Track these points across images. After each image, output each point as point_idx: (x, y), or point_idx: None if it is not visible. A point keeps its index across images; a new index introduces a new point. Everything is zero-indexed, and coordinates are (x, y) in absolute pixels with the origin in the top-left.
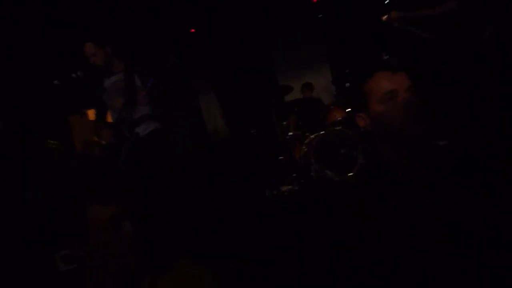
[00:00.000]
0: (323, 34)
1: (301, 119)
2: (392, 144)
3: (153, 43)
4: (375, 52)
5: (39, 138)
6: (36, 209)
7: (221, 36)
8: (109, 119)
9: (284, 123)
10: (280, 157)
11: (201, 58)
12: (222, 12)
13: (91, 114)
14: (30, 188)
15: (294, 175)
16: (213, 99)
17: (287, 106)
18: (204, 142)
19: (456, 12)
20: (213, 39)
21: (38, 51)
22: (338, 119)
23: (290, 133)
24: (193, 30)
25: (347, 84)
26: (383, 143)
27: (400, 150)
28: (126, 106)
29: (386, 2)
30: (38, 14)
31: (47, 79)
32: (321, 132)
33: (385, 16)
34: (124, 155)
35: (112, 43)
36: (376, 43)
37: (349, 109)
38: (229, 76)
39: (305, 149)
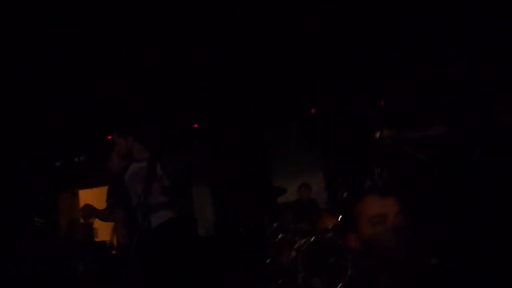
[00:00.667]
0: (318, 140)
1: (293, 222)
2: (381, 267)
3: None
4: (367, 166)
5: (27, 215)
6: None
7: (221, 130)
8: None
9: (275, 224)
10: (267, 260)
11: (197, 149)
12: (224, 105)
13: (82, 195)
14: (11, 263)
15: (280, 281)
16: (205, 190)
17: (280, 208)
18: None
19: (445, 135)
20: (213, 132)
21: (43, 130)
22: (329, 226)
23: (280, 236)
24: (195, 126)
25: (345, 194)
26: (372, 265)
27: (389, 273)
28: (143, 193)
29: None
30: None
31: (47, 158)
32: (311, 238)
33: (378, 133)
34: (136, 241)
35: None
36: (368, 157)
37: (341, 217)
38: (224, 170)
39: (294, 254)
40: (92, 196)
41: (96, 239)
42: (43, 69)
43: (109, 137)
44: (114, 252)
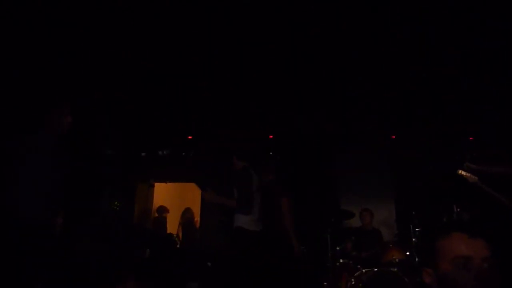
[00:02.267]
0: (393, 168)
1: (356, 249)
2: None
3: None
4: (445, 203)
5: (107, 197)
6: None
7: (296, 145)
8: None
9: (338, 248)
10: (325, 283)
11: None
12: (300, 123)
13: (157, 187)
14: (84, 237)
15: None
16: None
17: (345, 232)
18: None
19: None
20: (286, 147)
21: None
22: (396, 260)
23: (341, 261)
24: (271, 136)
25: (417, 230)
26: None
27: None
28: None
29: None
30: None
31: (135, 150)
32: (375, 269)
33: (461, 170)
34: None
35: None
36: (447, 194)
37: (409, 253)
38: (293, 189)
39: (353, 282)
40: (166, 190)
41: (165, 231)
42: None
43: (189, 137)
44: (178, 245)
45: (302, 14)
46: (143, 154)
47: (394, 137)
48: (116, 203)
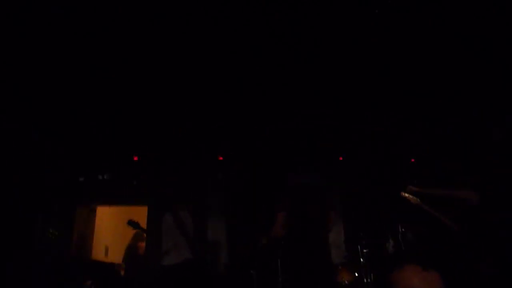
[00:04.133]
0: (340, 191)
1: None
2: None
3: None
4: (391, 223)
5: (43, 226)
6: None
7: (245, 168)
8: None
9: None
10: None
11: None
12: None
13: (99, 212)
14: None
15: None
16: (221, 229)
17: None
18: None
19: (475, 200)
20: (236, 168)
21: (71, 145)
22: (345, 281)
23: None
24: (220, 158)
25: (365, 250)
26: None
27: None
28: None
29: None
30: None
31: (71, 174)
32: None
33: (404, 193)
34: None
35: None
36: (392, 214)
37: (357, 274)
38: (242, 213)
39: None
40: (109, 214)
41: (106, 260)
42: (74, 85)
43: (135, 158)
44: (122, 273)
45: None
46: (81, 179)
47: (341, 158)
48: (51, 231)
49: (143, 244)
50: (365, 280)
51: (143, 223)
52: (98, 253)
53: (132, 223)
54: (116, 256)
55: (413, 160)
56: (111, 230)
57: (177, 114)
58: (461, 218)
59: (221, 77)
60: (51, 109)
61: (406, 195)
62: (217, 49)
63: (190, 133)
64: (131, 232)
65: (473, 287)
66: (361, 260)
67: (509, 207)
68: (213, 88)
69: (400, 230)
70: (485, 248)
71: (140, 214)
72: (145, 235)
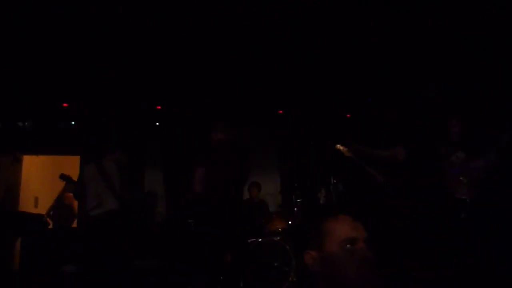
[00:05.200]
0: (278, 143)
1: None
2: None
3: None
4: (324, 174)
5: None
6: None
7: (182, 117)
8: None
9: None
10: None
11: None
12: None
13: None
14: None
15: (221, 277)
16: (159, 179)
17: None
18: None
19: (403, 159)
20: (173, 118)
21: None
22: (279, 229)
23: None
24: (159, 108)
25: (298, 200)
26: (325, 285)
27: None
28: None
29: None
30: None
31: None
32: (259, 239)
33: (339, 145)
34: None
35: None
36: (326, 166)
37: (290, 222)
38: (179, 162)
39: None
40: (38, 164)
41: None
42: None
43: (65, 104)
44: (50, 226)
45: None
46: None
47: (281, 112)
48: None
49: (70, 195)
50: (297, 229)
51: (76, 174)
52: (26, 205)
53: (63, 177)
54: (46, 207)
55: (348, 115)
56: (41, 181)
57: (111, 59)
58: (388, 171)
59: (161, 22)
60: None
61: (341, 148)
62: None
63: (129, 81)
64: (62, 183)
65: (393, 236)
66: (295, 209)
67: (427, 164)
68: (156, 34)
69: (332, 181)
70: (406, 199)
71: (73, 164)
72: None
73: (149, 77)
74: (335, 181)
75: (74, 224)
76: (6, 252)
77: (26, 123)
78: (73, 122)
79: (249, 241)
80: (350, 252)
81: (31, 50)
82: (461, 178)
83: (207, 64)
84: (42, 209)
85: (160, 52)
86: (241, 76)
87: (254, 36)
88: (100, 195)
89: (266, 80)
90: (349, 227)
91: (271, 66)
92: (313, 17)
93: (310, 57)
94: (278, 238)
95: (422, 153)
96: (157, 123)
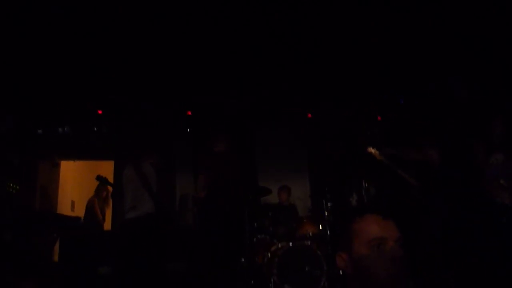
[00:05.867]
0: (309, 146)
1: (272, 225)
2: None
3: None
4: (355, 180)
5: (2, 179)
6: None
7: (214, 121)
8: None
9: (255, 224)
10: (242, 259)
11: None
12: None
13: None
14: None
15: (252, 281)
16: (189, 181)
17: (262, 208)
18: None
19: (436, 161)
20: (206, 123)
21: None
22: (309, 234)
23: (258, 236)
24: (189, 113)
25: (329, 204)
26: (357, 287)
27: None
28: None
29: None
30: None
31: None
32: (290, 243)
33: (371, 148)
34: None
35: None
36: (357, 171)
37: (321, 226)
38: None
39: (269, 256)
40: (74, 168)
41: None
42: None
43: (100, 111)
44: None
45: None
46: (39, 131)
47: (310, 115)
48: (11, 185)
49: (95, 200)
50: (328, 233)
51: (111, 178)
52: (64, 208)
53: (100, 178)
54: (83, 210)
55: (379, 118)
56: (77, 184)
57: (141, 65)
58: (421, 175)
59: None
60: (8, 58)
61: (372, 151)
62: None
63: (162, 87)
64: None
65: (425, 237)
66: (325, 213)
67: (464, 167)
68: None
69: (364, 185)
70: (438, 202)
71: (108, 169)
72: (110, 188)
73: (181, 84)
74: (367, 185)
75: (106, 227)
76: (45, 252)
77: (65, 129)
78: (107, 128)
79: (279, 245)
80: (378, 252)
81: (70, 61)
82: (501, 181)
83: (235, 67)
84: (78, 212)
85: (196, 61)
86: (271, 80)
87: (286, 41)
88: (138, 197)
89: (296, 83)
90: (377, 226)
91: (301, 70)
92: (343, 18)
93: (341, 59)
94: (309, 242)
95: (457, 155)
96: (188, 130)
